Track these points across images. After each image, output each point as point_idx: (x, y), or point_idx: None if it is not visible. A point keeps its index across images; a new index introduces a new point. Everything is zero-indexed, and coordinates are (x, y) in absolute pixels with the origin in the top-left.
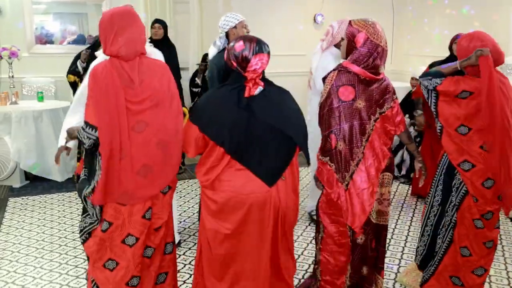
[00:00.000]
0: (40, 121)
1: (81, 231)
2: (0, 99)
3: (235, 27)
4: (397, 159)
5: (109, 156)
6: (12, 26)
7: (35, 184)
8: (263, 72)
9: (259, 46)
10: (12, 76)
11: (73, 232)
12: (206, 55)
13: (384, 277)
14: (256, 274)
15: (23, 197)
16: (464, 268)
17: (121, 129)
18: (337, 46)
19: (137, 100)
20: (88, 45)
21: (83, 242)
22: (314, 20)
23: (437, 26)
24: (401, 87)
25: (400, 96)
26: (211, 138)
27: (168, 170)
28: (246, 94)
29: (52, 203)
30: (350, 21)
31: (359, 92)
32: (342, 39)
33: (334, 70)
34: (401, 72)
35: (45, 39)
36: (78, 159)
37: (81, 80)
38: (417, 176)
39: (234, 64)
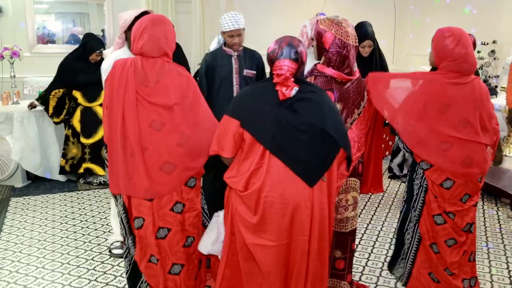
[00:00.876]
0: (42, 121)
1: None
2: (1, 99)
3: (223, 32)
4: (398, 159)
5: (111, 147)
6: (14, 26)
7: (37, 184)
8: (298, 74)
9: (285, 51)
10: (14, 76)
11: (74, 232)
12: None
13: (387, 276)
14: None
15: (25, 197)
16: (437, 265)
17: (129, 123)
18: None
19: (148, 97)
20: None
21: (133, 252)
22: None
23: (439, 25)
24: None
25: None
26: (252, 134)
27: (193, 167)
28: (281, 97)
29: (54, 203)
30: (317, 21)
31: (337, 95)
32: (312, 39)
33: (310, 75)
34: (403, 71)
35: (46, 39)
36: (66, 161)
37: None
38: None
39: (269, 63)
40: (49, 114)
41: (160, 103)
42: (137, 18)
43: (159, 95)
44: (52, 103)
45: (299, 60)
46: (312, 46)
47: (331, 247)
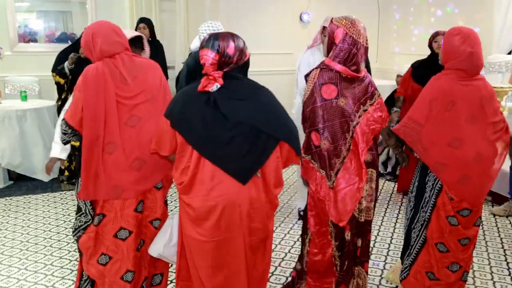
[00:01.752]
0: (24, 121)
1: (75, 229)
2: None
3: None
4: (382, 157)
5: (88, 148)
6: None
7: (19, 184)
8: (234, 68)
9: (209, 41)
10: None
11: (58, 233)
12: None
13: (370, 273)
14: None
15: (7, 198)
16: (439, 264)
17: (109, 123)
18: None
19: (130, 95)
20: (69, 44)
21: (77, 239)
22: (301, 18)
23: (422, 24)
24: (387, 85)
25: (386, 94)
26: (181, 134)
27: (162, 165)
28: (199, 88)
29: (36, 204)
30: (331, 19)
31: (341, 90)
32: (324, 36)
33: (316, 68)
34: (387, 70)
35: (28, 38)
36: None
37: (67, 82)
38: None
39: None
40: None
41: (139, 98)
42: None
43: (137, 90)
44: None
45: (220, 52)
46: (322, 42)
47: (359, 236)
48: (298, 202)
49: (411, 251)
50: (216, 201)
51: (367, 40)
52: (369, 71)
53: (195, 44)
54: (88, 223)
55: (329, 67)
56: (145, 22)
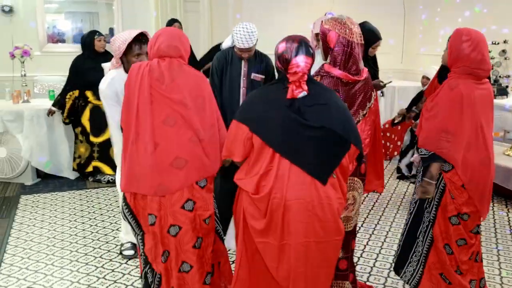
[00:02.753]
0: (52, 119)
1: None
2: (12, 97)
3: (237, 47)
4: (406, 160)
5: (125, 143)
6: (24, 25)
7: (47, 181)
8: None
9: (300, 47)
10: (24, 75)
11: (83, 230)
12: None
13: (395, 277)
14: None
15: (35, 195)
16: (449, 267)
17: (142, 120)
18: None
19: (166, 94)
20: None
21: (143, 249)
22: None
23: (448, 25)
24: (411, 86)
25: (410, 95)
26: (262, 138)
27: (205, 165)
28: (288, 96)
29: (63, 201)
30: (322, 21)
31: (343, 96)
32: (318, 40)
33: (316, 75)
34: (412, 71)
35: (57, 38)
36: (75, 159)
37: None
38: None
39: (279, 65)
40: (64, 116)
41: (175, 98)
42: (131, 43)
43: (174, 91)
44: (68, 105)
45: (313, 55)
46: (318, 47)
47: (342, 250)
48: None
49: (420, 254)
50: (292, 203)
51: (360, 37)
52: (375, 66)
53: (227, 43)
54: (140, 236)
55: (329, 73)
56: (178, 22)
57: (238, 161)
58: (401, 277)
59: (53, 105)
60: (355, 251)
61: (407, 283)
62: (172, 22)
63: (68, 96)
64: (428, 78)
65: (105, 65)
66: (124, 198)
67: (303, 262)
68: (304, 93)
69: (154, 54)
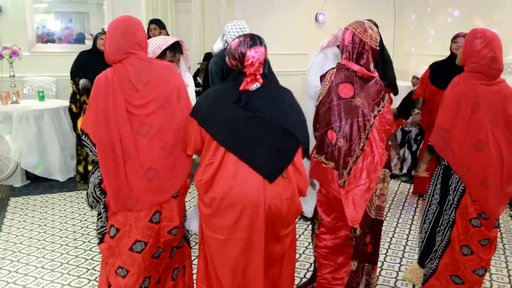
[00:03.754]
0: (41, 121)
1: (97, 231)
2: (1, 98)
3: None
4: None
5: (105, 158)
6: (13, 25)
7: (36, 183)
8: (264, 69)
9: (253, 39)
10: (13, 75)
11: (74, 232)
12: (207, 54)
13: (386, 275)
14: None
15: (24, 197)
16: (465, 268)
17: (121, 132)
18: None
19: (140, 103)
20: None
21: (99, 242)
22: (316, 19)
23: (439, 25)
24: (402, 86)
25: (401, 95)
26: (208, 132)
27: (176, 174)
28: (241, 88)
29: (53, 203)
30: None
31: (357, 89)
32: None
33: (333, 68)
34: (403, 71)
35: (46, 38)
36: (79, 162)
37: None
38: (392, 165)
39: (233, 62)
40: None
41: (153, 106)
42: (166, 49)
43: (150, 96)
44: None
45: (265, 46)
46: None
47: (371, 236)
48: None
49: (436, 254)
50: (237, 199)
51: (376, 42)
52: (389, 71)
53: (217, 46)
54: (104, 228)
55: (345, 66)
56: (155, 23)
57: (190, 154)
58: (425, 272)
59: (78, 84)
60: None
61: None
62: (150, 23)
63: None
64: (418, 79)
65: None
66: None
67: (244, 258)
68: (257, 84)
69: (109, 60)
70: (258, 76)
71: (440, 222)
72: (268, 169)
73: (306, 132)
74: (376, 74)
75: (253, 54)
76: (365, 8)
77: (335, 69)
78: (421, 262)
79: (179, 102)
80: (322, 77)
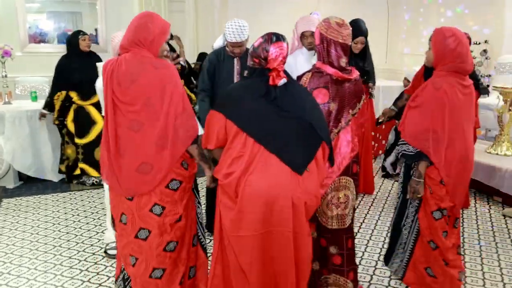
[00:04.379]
0: (34, 121)
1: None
2: None
3: (228, 42)
4: (391, 158)
5: (106, 150)
6: (5, 24)
7: (29, 184)
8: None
9: (276, 36)
10: (5, 76)
11: (67, 233)
12: (202, 54)
13: (380, 274)
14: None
15: (17, 198)
16: (436, 261)
17: (115, 125)
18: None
19: (125, 99)
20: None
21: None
22: None
23: (431, 25)
24: (396, 85)
25: (394, 95)
26: (237, 124)
27: (171, 166)
28: (271, 82)
29: (46, 204)
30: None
31: (332, 94)
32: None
33: (308, 71)
34: (396, 71)
35: (39, 38)
36: (62, 161)
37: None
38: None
39: (256, 60)
40: (55, 117)
41: (139, 103)
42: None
43: (135, 93)
44: (57, 106)
45: (287, 42)
46: (299, 47)
47: (337, 247)
48: None
49: (406, 247)
50: (268, 192)
51: (343, 36)
52: (369, 70)
53: (218, 43)
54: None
55: (320, 70)
56: None
57: (212, 149)
58: (389, 267)
59: (44, 107)
60: None
61: (394, 273)
62: None
63: (56, 97)
64: (409, 81)
65: (99, 65)
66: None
67: (261, 252)
68: (284, 80)
69: (122, 46)
70: (282, 72)
71: (405, 215)
72: (297, 162)
73: (327, 129)
74: (353, 75)
75: (276, 49)
76: (359, 8)
77: (310, 74)
78: (387, 258)
79: (162, 104)
80: (299, 79)
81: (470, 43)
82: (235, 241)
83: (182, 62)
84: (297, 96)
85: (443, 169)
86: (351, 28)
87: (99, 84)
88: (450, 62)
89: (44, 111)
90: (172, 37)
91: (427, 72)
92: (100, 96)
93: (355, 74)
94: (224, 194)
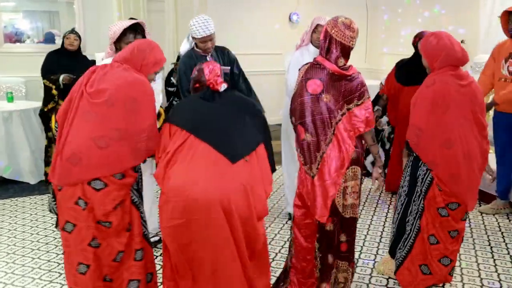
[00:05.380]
0: (10, 122)
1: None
2: None
3: (195, 38)
4: (371, 157)
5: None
6: None
7: (6, 187)
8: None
9: (206, 61)
10: None
11: (46, 236)
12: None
13: (360, 272)
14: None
15: None
16: (431, 256)
17: (70, 114)
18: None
19: (90, 90)
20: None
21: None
22: (290, 19)
23: (410, 25)
24: (376, 85)
25: (373, 93)
26: (174, 123)
27: (100, 167)
28: (212, 88)
29: (24, 206)
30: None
31: (327, 86)
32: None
33: (307, 63)
34: (375, 70)
35: (15, 38)
36: (47, 164)
37: (57, 89)
38: (373, 186)
39: (197, 85)
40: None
41: (101, 96)
42: (126, 29)
43: (101, 86)
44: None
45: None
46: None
47: (345, 233)
48: (289, 207)
49: (406, 242)
50: (191, 193)
51: (346, 38)
52: None
53: (184, 47)
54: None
55: (318, 63)
56: (74, 33)
57: (159, 157)
58: (395, 260)
59: (57, 80)
60: None
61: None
62: (68, 33)
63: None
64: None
65: (99, 55)
66: (52, 190)
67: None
68: (225, 85)
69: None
70: (221, 80)
71: (409, 212)
72: (230, 149)
73: (268, 132)
74: (352, 72)
75: (210, 66)
76: (338, 8)
77: (308, 65)
78: (392, 251)
79: (124, 109)
80: (299, 71)
81: None
82: (168, 231)
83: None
84: (238, 99)
85: (436, 167)
86: (356, 32)
87: None
88: (439, 56)
89: (67, 76)
90: None
91: (397, 71)
92: None
93: (353, 70)
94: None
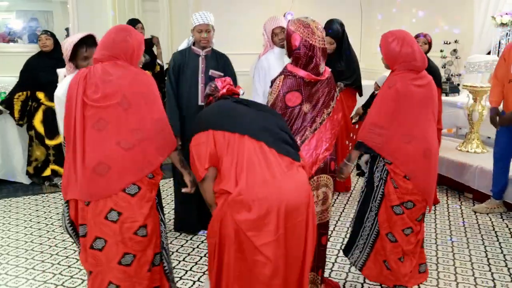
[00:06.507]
0: (4, 122)
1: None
2: None
3: (193, 29)
4: (366, 156)
5: (66, 151)
6: None
7: None
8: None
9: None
10: None
11: (40, 236)
12: None
13: (339, 269)
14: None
15: None
16: (391, 255)
17: (77, 126)
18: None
19: (95, 96)
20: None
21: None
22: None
23: (404, 25)
24: (370, 85)
25: (368, 93)
26: (231, 130)
27: (133, 171)
28: (231, 92)
29: (17, 207)
30: (289, 21)
31: (305, 96)
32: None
33: (280, 74)
34: (370, 70)
35: (8, 38)
36: (29, 163)
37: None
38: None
39: (211, 98)
40: (16, 119)
41: (111, 99)
42: (77, 45)
43: (108, 90)
44: (17, 107)
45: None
46: (270, 47)
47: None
48: None
49: (368, 239)
50: (270, 194)
51: (323, 41)
52: (354, 67)
53: (183, 46)
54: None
55: (292, 73)
56: (140, 23)
57: (202, 176)
58: (348, 259)
59: (0, 103)
60: None
61: (353, 264)
62: (135, 23)
63: (16, 97)
64: (379, 86)
65: (60, 71)
66: (66, 208)
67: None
68: (242, 90)
69: (98, 58)
70: (232, 86)
71: (369, 209)
72: (291, 152)
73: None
74: (326, 75)
75: (220, 81)
76: (332, 8)
77: (282, 77)
78: (347, 249)
79: (139, 107)
80: (273, 82)
81: (430, 47)
82: (265, 249)
83: (160, 62)
84: (253, 101)
85: (401, 162)
86: (322, 31)
87: (59, 92)
88: (399, 62)
89: (0, 107)
90: (152, 38)
91: None
92: (58, 106)
93: (327, 73)
94: (238, 209)
